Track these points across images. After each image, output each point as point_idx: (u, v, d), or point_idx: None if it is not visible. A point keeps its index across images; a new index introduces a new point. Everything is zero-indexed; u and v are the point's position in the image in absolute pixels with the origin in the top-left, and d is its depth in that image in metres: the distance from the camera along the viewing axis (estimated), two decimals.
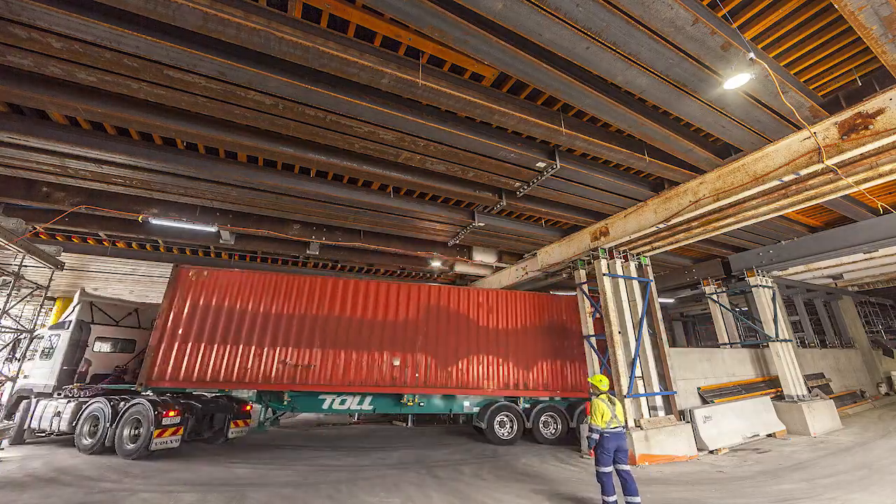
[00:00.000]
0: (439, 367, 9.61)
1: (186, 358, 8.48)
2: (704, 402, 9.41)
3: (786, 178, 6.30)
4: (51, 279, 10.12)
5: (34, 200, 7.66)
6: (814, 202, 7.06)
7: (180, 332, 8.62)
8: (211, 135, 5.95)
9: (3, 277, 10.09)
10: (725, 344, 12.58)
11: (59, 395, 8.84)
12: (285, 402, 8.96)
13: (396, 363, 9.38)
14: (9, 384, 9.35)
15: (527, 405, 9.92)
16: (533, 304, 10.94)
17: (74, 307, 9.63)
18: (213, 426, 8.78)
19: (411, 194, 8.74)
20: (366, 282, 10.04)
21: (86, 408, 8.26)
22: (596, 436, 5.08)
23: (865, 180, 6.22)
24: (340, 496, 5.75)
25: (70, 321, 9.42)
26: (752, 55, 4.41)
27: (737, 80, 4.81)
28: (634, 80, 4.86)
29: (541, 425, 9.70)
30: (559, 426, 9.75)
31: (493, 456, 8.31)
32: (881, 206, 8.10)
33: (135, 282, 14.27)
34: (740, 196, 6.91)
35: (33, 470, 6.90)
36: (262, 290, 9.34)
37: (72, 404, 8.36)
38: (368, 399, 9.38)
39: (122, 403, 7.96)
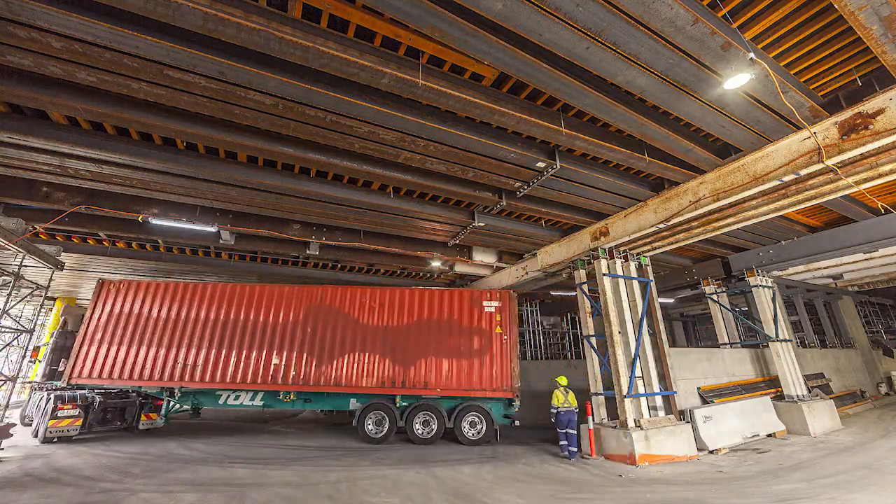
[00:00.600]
0: (317, 365, 9.92)
1: (102, 358, 9.82)
2: (704, 401, 9.42)
3: (786, 178, 6.30)
4: (51, 279, 10.12)
5: (34, 200, 7.66)
6: (814, 202, 7.06)
7: (98, 336, 9.95)
8: (211, 135, 5.95)
9: (3, 277, 10.10)
10: (725, 344, 12.58)
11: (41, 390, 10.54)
12: (177, 397, 10.03)
13: (276, 362, 9.97)
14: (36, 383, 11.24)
15: (404, 404, 9.72)
16: (423, 300, 10.60)
17: (63, 318, 12.49)
18: (126, 418, 10.10)
19: (411, 194, 8.74)
20: (256, 285, 10.76)
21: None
22: (554, 411, 8.25)
23: (865, 180, 6.22)
24: (340, 496, 5.75)
25: (57, 330, 11.92)
26: (752, 55, 4.42)
27: (737, 80, 4.81)
28: (634, 80, 4.86)
29: (414, 423, 9.54)
30: (434, 425, 9.55)
31: (493, 456, 8.31)
32: (881, 206, 8.10)
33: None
34: (740, 196, 6.91)
35: (33, 470, 6.90)
36: (165, 297, 10.42)
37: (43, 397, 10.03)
38: (259, 395, 9.97)
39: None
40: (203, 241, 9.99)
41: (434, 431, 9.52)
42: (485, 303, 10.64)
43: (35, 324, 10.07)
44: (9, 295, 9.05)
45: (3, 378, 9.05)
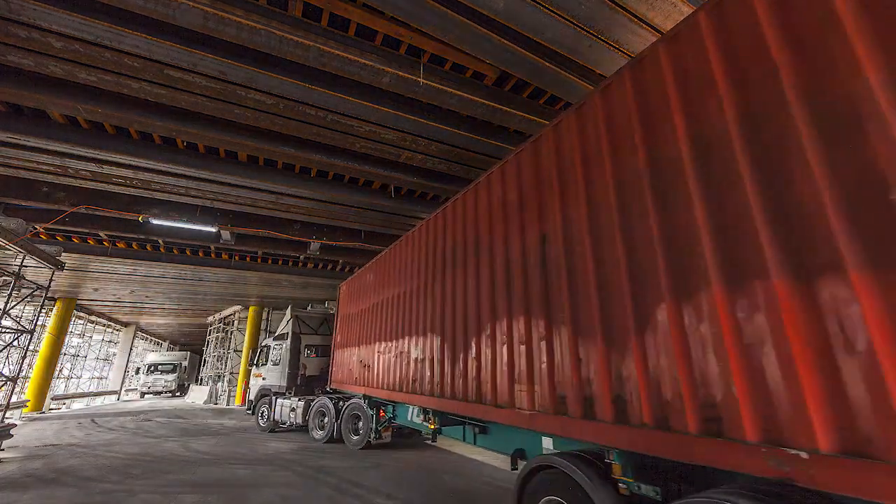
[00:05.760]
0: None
1: (339, 362, 9.08)
2: None
3: None
4: (51, 279, 10.10)
5: (34, 200, 7.64)
6: None
7: (338, 338, 9.37)
8: (211, 134, 5.93)
9: (4, 278, 10.09)
10: None
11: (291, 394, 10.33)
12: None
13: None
14: (257, 381, 11.38)
15: None
16: None
17: (288, 321, 11.17)
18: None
19: (412, 194, 8.72)
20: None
21: (313, 405, 9.43)
22: None
23: None
24: (343, 498, 5.73)
25: (288, 333, 10.92)
26: None
27: None
28: None
29: None
30: None
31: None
32: None
33: (134, 282, 14.25)
34: None
35: (34, 470, 6.89)
36: (385, 276, 6.91)
37: (302, 402, 9.67)
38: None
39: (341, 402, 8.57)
40: (203, 241, 9.96)
41: None
42: None
43: (35, 324, 10.03)
44: (9, 295, 9.03)
45: (4, 379, 9.04)
